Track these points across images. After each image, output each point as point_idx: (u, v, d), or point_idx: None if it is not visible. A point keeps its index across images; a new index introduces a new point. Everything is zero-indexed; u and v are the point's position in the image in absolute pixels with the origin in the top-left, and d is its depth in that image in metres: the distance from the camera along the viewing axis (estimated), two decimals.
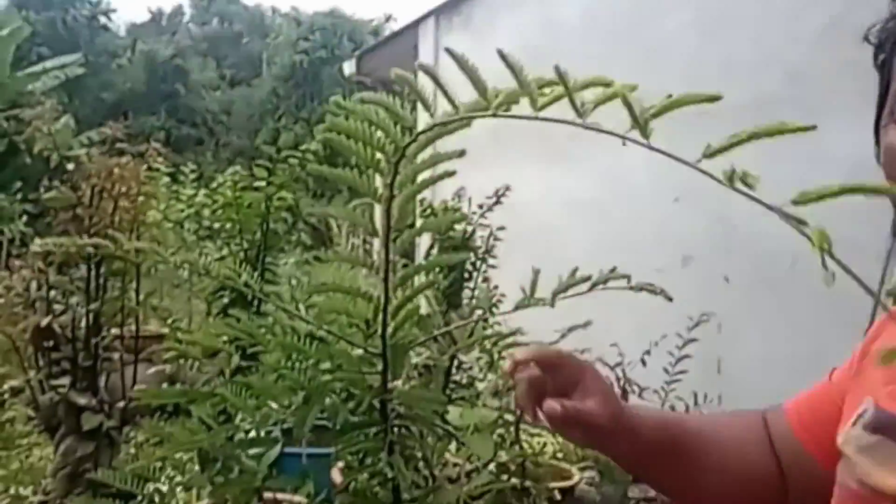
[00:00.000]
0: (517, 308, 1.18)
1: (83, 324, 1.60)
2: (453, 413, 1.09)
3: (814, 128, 0.52)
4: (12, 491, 3.17)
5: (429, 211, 2.19)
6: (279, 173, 1.79)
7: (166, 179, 4.52)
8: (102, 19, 22.29)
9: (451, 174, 0.92)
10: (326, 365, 1.08)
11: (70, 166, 1.65)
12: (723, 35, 3.75)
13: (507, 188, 2.21)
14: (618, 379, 3.17)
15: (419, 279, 1.05)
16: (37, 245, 1.41)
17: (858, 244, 3.86)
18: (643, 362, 3.12)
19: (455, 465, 1.35)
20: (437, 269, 2.16)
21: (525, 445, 2.52)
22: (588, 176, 4.39)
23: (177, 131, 19.89)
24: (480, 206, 2.17)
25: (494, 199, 2.10)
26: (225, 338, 1.38)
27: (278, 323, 1.14)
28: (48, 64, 9.74)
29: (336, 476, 2.69)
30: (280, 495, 2.31)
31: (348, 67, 6.86)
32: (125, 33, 25.65)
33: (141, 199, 1.68)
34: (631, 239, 4.22)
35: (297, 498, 2.30)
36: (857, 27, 0.82)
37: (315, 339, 1.06)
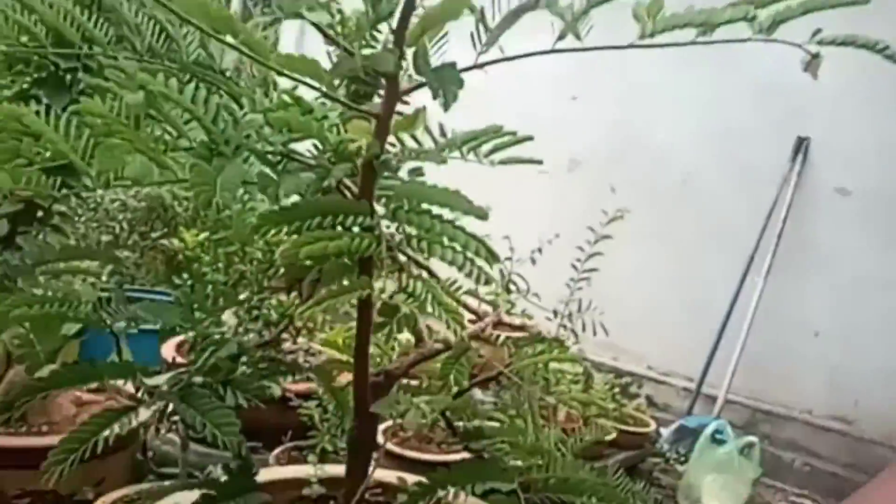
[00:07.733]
0: None
1: None
2: None
3: None
4: None
5: None
6: None
7: None
8: None
9: None
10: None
11: None
12: None
13: None
14: (504, 275, 2.90)
15: None
16: None
17: (755, 168, 3.74)
18: (533, 261, 2.87)
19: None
20: None
21: None
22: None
23: None
24: None
25: None
26: None
27: None
28: None
29: (168, 355, 2.15)
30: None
31: None
32: None
33: None
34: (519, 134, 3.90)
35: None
36: None
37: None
